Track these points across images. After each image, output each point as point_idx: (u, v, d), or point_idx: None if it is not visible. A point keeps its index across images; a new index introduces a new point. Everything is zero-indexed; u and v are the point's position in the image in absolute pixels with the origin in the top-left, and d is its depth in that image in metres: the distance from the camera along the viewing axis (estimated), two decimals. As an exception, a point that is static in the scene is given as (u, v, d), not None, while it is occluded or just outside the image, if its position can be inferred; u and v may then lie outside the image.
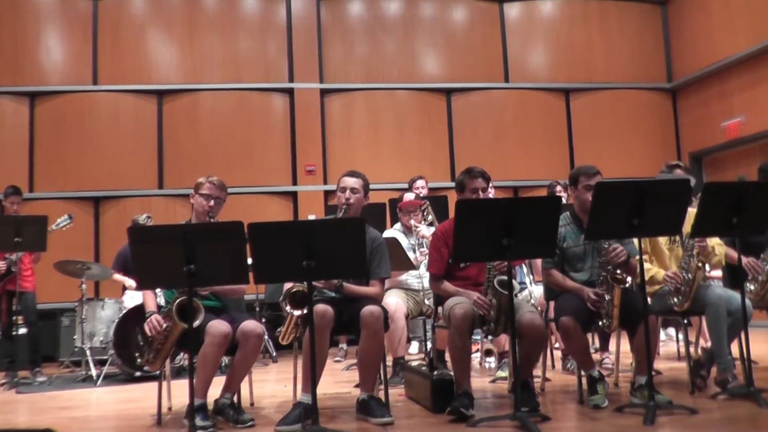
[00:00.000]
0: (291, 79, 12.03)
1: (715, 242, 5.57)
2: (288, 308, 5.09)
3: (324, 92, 12.11)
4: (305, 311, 4.98)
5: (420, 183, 8.77)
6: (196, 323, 4.61)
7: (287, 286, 5.18)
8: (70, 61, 11.58)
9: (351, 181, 5.43)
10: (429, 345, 6.96)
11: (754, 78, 11.25)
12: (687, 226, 5.32)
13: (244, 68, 12.00)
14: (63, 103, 11.39)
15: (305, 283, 4.72)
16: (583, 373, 5.28)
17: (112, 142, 11.43)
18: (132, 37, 11.74)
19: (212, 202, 5.26)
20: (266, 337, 8.87)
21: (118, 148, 11.43)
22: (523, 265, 7.21)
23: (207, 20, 11.98)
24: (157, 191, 11.49)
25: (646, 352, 4.83)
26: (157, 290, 5.38)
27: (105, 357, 8.10)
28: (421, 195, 8.25)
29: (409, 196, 7.66)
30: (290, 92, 11.99)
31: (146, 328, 4.96)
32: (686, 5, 12.68)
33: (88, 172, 11.27)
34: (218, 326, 4.78)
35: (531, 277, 7.22)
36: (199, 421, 4.59)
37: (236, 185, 10.75)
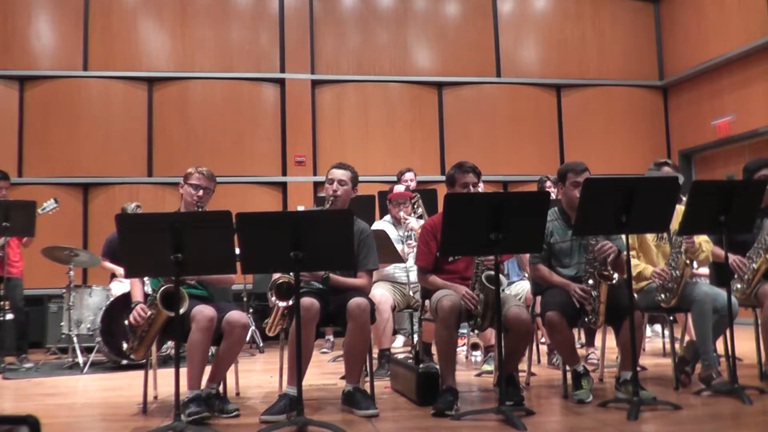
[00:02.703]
0: (282, 70, 12.02)
1: (702, 239, 5.59)
2: (274, 299, 5.09)
3: (315, 83, 12.11)
4: (291, 303, 4.98)
5: (409, 175, 8.75)
6: (181, 311, 4.59)
7: (274, 277, 5.18)
8: (60, 45, 11.53)
9: (339, 173, 5.43)
10: (416, 338, 6.96)
11: (745, 77, 11.29)
12: (675, 224, 5.35)
13: (235, 58, 11.98)
14: (53, 87, 11.36)
15: (292, 274, 4.72)
16: (568, 368, 5.30)
17: (102, 129, 11.40)
18: (123, 23, 11.71)
19: (201, 192, 5.24)
20: (253, 327, 8.91)
21: (107, 134, 11.41)
22: (515, 260, 7.25)
23: (199, 8, 11.95)
24: (146, 179, 11.48)
25: (631, 347, 4.86)
26: (145, 279, 5.36)
27: (92, 344, 8.07)
28: (410, 188, 8.24)
29: (399, 188, 7.66)
30: (281, 82, 11.98)
31: (130, 317, 4.95)
32: (679, 4, 12.71)
33: (77, 158, 11.25)
34: (203, 311, 4.76)
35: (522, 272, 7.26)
36: (193, 408, 4.58)
37: (225, 175, 10.74)
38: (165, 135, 11.61)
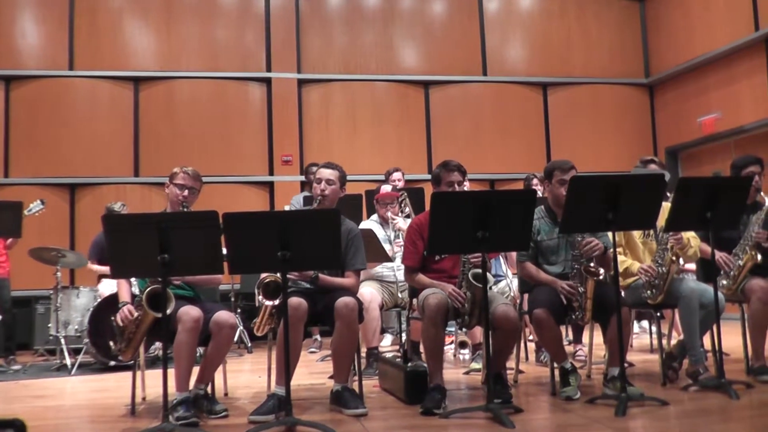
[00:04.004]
0: (268, 69, 12.00)
1: (689, 235, 5.62)
2: (261, 298, 5.09)
3: (301, 82, 12.09)
4: (278, 302, 4.98)
5: (396, 175, 8.75)
6: (168, 312, 4.58)
7: (262, 276, 5.17)
8: (46, 45, 11.47)
9: (327, 173, 5.42)
10: (404, 336, 6.97)
11: (730, 75, 11.35)
12: (661, 220, 5.37)
13: (221, 57, 11.95)
14: (39, 87, 11.29)
15: (279, 273, 4.71)
16: (555, 365, 5.32)
17: (88, 129, 11.35)
18: (109, 23, 11.65)
19: (186, 192, 5.23)
20: (241, 327, 8.89)
21: (94, 134, 11.35)
22: (501, 258, 7.27)
23: (184, 7, 11.92)
24: (133, 179, 11.43)
25: (618, 344, 4.88)
26: (132, 279, 5.35)
27: (80, 346, 8.04)
28: (398, 187, 8.24)
29: (386, 188, 7.65)
30: (267, 82, 11.96)
31: (118, 318, 4.94)
32: (665, 2, 12.75)
33: (63, 158, 11.19)
34: (189, 311, 4.75)
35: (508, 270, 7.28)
36: (182, 413, 4.57)
37: (212, 174, 10.71)
38: (151, 135, 11.56)
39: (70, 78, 11.44)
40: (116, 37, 11.68)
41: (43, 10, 11.48)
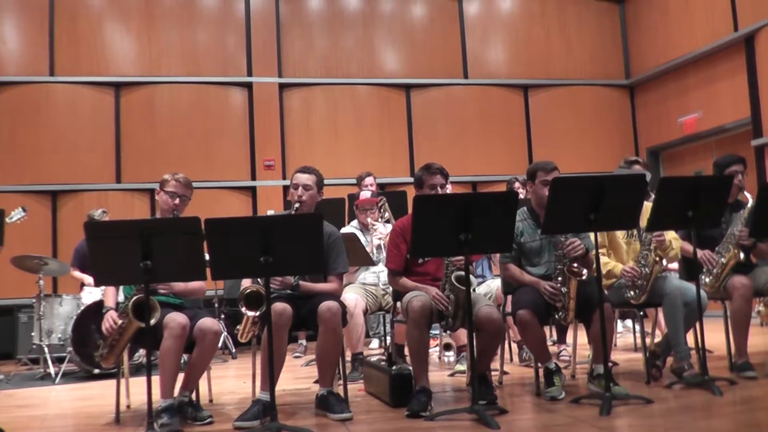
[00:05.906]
0: (249, 73, 11.98)
1: (671, 236, 5.65)
2: (244, 309, 5.04)
3: (283, 87, 12.08)
4: (259, 313, 4.95)
5: (369, 180, 8.66)
6: (152, 322, 4.56)
7: (243, 286, 5.14)
8: (26, 51, 11.39)
9: (303, 178, 5.37)
10: (388, 340, 6.97)
11: (710, 75, 11.43)
12: (643, 221, 5.39)
13: (202, 61, 11.92)
14: (19, 93, 11.21)
15: (261, 281, 4.70)
16: (540, 365, 5.33)
17: (69, 135, 11.28)
18: (89, 28, 11.60)
19: (177, 200, 5.21)
20: (225, 333, 8.86)
21: (75, 140, 11.29)
22: (486, 260, 7.28)
23: (165, 12, 11.88)
24: (115, 185, 11.37)
25: (601, 338, 4.89)
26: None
27: (63, 354, 7.99)
28: (373, 192, 8.22)
29: (365, 194, 7.64)
30: (249, 86, 11.94)
31: (102, 326, 4.91)
32: (644, 3, 12.83)
33: (45, 165, 11.12)
34: (176, 318, 4.74)
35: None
36: (165, 420, 4.55)
37: (194, 180, 10.47)
38: (133, 140, 11.51)
39: (51, 84, 11.37)
40: (97, 43, 11.62)
41: (23, 16, 11.41)
